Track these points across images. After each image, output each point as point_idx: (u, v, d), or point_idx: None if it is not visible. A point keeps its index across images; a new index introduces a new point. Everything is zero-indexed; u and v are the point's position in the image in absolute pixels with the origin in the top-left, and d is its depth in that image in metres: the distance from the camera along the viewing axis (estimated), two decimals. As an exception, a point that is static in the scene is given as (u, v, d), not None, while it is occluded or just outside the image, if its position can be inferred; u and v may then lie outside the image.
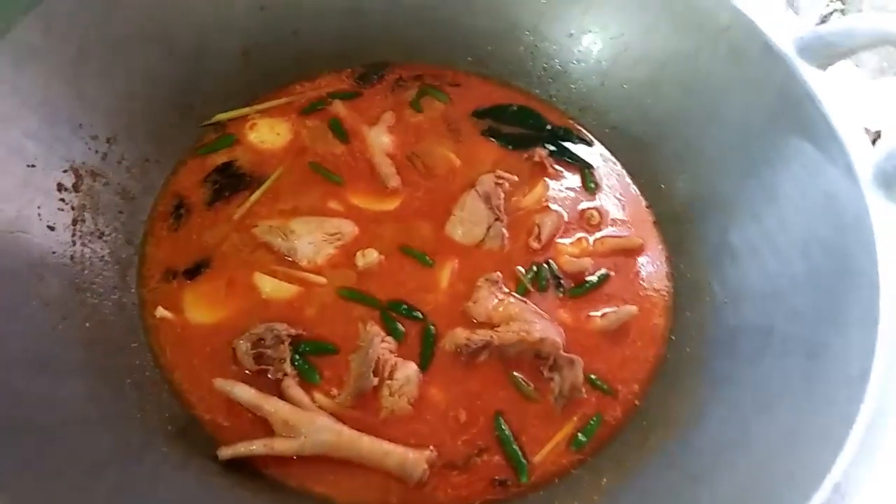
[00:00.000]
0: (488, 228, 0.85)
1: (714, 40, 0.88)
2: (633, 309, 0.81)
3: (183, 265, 0.80)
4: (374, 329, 0.75)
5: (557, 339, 0.76)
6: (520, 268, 0.84)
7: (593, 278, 0.84)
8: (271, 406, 0.68)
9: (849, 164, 0.74)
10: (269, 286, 0.79)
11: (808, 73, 0.80)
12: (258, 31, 0.95)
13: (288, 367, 0.73)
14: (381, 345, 0.74)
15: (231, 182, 0.87)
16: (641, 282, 0.85)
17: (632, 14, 0.95)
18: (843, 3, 1.74)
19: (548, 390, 0.75)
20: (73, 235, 0.75)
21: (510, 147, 0.95)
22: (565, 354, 0.75)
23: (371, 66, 1.02)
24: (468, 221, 0.86)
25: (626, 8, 0.95)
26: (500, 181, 0.89)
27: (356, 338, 0.75)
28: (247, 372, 0.73)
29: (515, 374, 0.76)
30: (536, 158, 0.93)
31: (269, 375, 0.73)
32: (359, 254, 0.82)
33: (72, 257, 0.74)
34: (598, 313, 0.82)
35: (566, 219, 0.89)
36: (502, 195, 0.88)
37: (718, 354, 0.76)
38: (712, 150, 0.88)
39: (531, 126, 0.99)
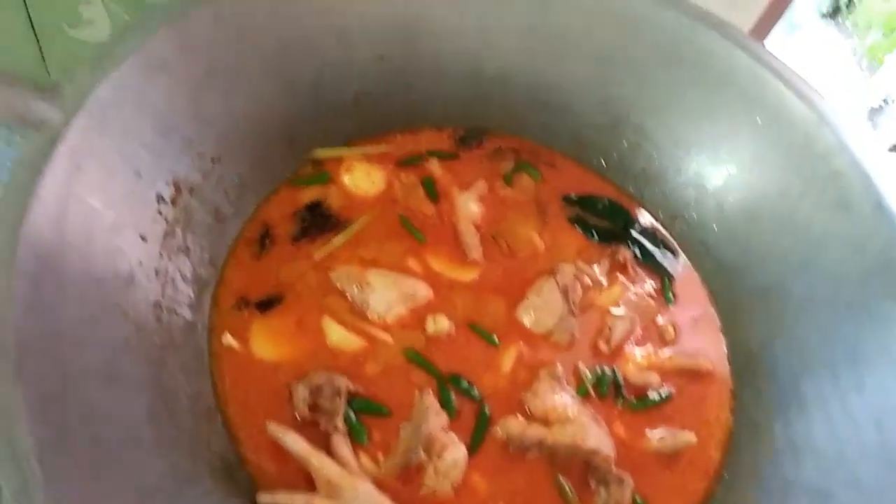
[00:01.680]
0: (560, 320, 0.85)
1: (824, 184, 0.86)
2: (692, 438, 0.79)
3: (257, 296, 0.81)
4: (431, 401, 0.75)
5: (611, 454, 0.75)
6: (583, 368, 0.83)
7: (656, 395, 0.82)
8: (319, 462, 0.68)
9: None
10: (337, 334, 0.80)
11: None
12: (373, 80, 0.97)
13: (340, 422, 0.73)
14: (435, 419, 0.73)
15: (319, 221, 0.88)
16: (703, 409, 0.83)
17: (745, 138, 0.94)
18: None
19: (591, 503, 0.74)
20: (162, 248, 0.77)
21: (595, 240, 0.95)
22: (616, 471, 0.74)
23: (472, 130, 1.03)
24: (541, 309, 0.85)
25: (739, 131, 0.94)
26: (581, 274, 0.89)
27: (410, 405, 0.75)
28: (297, 417, 0.74)
29: (561, 478, 0.75)
30: (620, 257, 0.93)
31: (321, 426, 0.73)
32: (430, 318, 0.82)
33: (156, 270, 0.75)
34: (654, 433, 0.80)
35: (639, 327, 0.88)
36: (580, 289, 0.87)
37: (770, 504, 0.73)
38: (800, 294, 0.86)
39: (619, 222, 0.98)
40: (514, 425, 0.76)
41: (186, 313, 0.77)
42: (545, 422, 0.77)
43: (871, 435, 0.71)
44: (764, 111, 0.92)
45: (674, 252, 0.97)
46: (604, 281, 0.91)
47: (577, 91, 1.03)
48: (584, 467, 0.75)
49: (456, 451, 0.72)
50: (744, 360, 0.87)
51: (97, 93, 0.70)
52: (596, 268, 0.91)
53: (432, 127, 1.02)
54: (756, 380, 0.85)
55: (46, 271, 0.61)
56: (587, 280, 0.89)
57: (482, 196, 0.96)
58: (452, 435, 0.73)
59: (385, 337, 0.80)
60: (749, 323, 0.89)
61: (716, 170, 0.98)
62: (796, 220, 0.89)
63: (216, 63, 0.82)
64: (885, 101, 1.80)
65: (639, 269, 0.94)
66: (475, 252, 0.89)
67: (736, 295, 0.91)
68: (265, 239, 0.86)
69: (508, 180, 0.99)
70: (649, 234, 0.98)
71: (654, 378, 0.83)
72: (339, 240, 0.87)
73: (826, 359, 0.80)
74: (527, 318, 0.85)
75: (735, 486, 0.78)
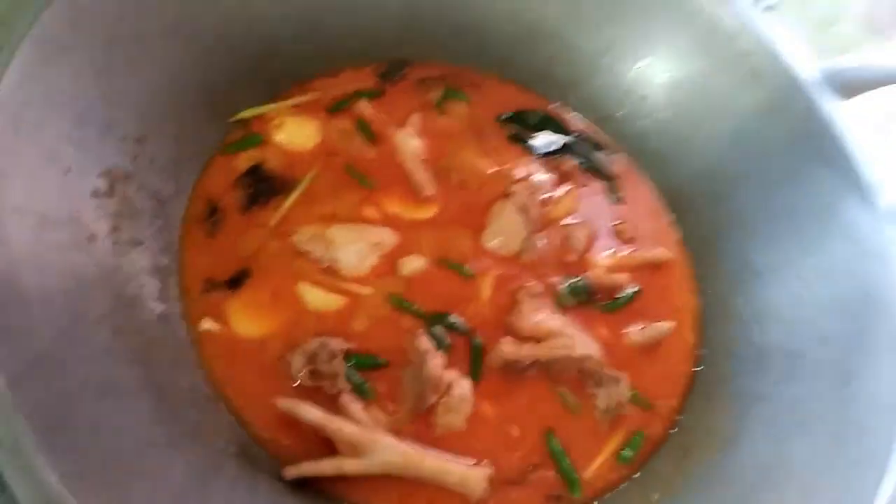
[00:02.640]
0: (524, 240, 0.87)
1: (735, 63, 0.92)
2: (668, 325, 0.84)
3: (223, 275, 0.78)
4: (426, 344, 0.75)
5: (600, 356, 0.79)
6: (556, 281, 0.85)
7: (626, 293, 0.86)
8: (336, 425, 0.68)
9: (867, 195, 0.79)
10: (315, 297, 0.78)
11: (829, 103, 0.84)
12: (281, 24, 0.92)
13: (343, 383, 0.73)
14: (433, 360, 0.75)
15: (263, 186, 0.85)
16: (670, 297, 0.89)
17: (655, 30, 0.97)
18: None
19: (592, 406, 0.78)
20: (114, 244, 0.72)
21: (538, 154, 0.96)
22: (609, 371, 0.78)
23: (393, 63, 1.00)
24: (504, 232, 0.87)
25: (648, 23, 0.97)
26: (534, 191, 0.90)
27: (405, 351, 0.76)
28: (294, 386, 0.73)
29: (561, 389, 0.78)
30: (565, 168, 0.95)
31: (325, 391, 0.72)
32: (402, 261, 0.82)
33: (114, 269, 0.71)
34: (633, 328, 0.84)
35: (597, 231, 0.91)
36: (536, 206, 0.89)
37: (749, 372, 0.80)
38: (734, 171, 0.91)
39: (555, 133, 1.00)
40: (508, 349, 0.78)
41: (157, 306, 0.73)
42: (535, 339, 0.79)
43: (824, 290, 0.79)
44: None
45: (613, 152, 1.00)
46: (556, 193, 0.93)
47: (486, 6, 1.01)
48: (579, 375, 0.79)
49: (461, 387, 0.74)
50: (697, 243, 0.93)
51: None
52: (545, 182, 0.93)
53: (353, 66, 0.99)
54: (711, 259, 0.91)
55: (5, 297, 0.56)
56: (540, 196, 0.91)
57: (419, 130, 0.94)
58: (454, 371, 0.75)
59: (364, 290, 0.80)
60: (693, 207, 0.94)
61: (634, 64, 1.01)
62: (715, 100, 0.94)
63: (114, 33, 0.74)
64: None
65: (585, 176, 0.96)
66: (428, 188, 0.88)
67: (677, 182, 0.96)
68: (214, 214, 0.82)
69: (440, 108, 0.97)
70: (586, 139, 1.00)
71: (622, 277, 0.87)
72: (289, 202, 0.84)
73: (769, 228, 0.87)
74: (493, 244, 0.86)
75: (713, 361, 0.84)
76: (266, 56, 0.92)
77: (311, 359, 0.72)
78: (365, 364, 0.75)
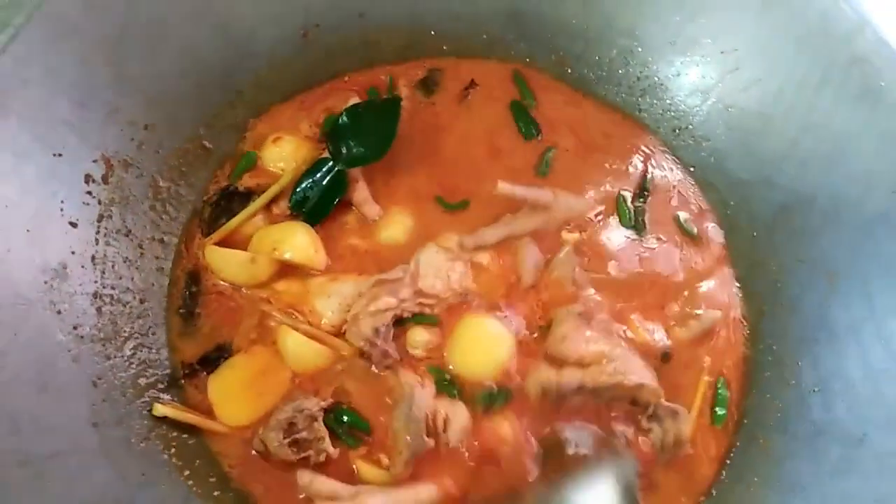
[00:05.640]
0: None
1: (845, 72, 0.74)
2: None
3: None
4: (410, 377, 0.67)
5: (658, 386, 0.67)
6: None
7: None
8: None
9: None
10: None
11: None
12: (323, 9, 0.85)
13: (328, 446, 0.65)
14: (422, 394, 0.66)
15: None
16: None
17: (749, 26, 0.81)
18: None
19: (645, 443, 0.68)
20: (97, 233, 0.70)
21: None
22: (667, 404, 0.67)
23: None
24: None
25: (742, 19, 0.81)
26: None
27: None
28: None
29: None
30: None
31: (311, 461, 0.65)
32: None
33: (93, 258, 0.69)
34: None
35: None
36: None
37: (796, 454, 0.65)
38: (824, 205, 0.74)
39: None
40: (546, 374, 0.67)
41: (131, 300, 0.71)
42: (580, 365, 0.67)
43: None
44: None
45: (679, 169, 0.86)
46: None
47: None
48: (630, 407, 0.68)
49: (459, 417, 0.66)
50: (764, 287, 0.77)
51: (-8, 73, 0.61)
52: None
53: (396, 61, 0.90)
54: (779, 312, 0.75)
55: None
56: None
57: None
58: (444, 399, 0.67)
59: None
60: (768, 243, 0.78)
61: (720, 67, 0.84)
62: (816, 116, 0.76)
63: (132, 17, 0.71)
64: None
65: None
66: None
67: (753, 213, 0.80)
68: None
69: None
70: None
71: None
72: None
73: (857, 277, 0.70)
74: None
75: (757, 433, 0.70)
76: (301, 45, 0.86)
77: (289, 429, 0.64)
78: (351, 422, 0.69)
